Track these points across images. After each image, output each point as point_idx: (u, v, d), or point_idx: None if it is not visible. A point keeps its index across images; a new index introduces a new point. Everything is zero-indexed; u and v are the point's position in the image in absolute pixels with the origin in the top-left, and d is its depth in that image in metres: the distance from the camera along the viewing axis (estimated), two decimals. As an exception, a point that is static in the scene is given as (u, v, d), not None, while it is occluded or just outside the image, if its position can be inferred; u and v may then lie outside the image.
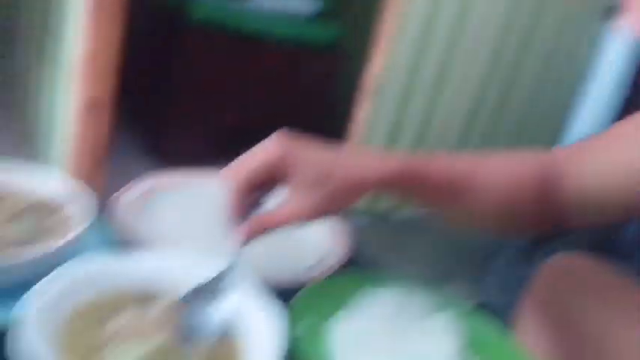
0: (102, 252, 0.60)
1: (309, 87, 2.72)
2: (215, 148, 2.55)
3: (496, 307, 1.17)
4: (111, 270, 0.54)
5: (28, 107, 2.34)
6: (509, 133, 2.79)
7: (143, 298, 0.52)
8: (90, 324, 0.49)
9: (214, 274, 0.55)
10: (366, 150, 0.98)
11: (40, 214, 0.58)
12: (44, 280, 0.48)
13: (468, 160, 0.74)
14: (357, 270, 0.74)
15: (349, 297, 0.65)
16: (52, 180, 0.64)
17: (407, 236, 2.57)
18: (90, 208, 0.60)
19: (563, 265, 0.83)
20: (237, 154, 0.60)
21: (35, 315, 0.45)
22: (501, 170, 0.73)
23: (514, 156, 0.78)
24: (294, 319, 0.57)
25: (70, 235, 0.55)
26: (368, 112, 2.36)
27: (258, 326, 0.52)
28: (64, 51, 1.95)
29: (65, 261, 0.51)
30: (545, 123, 2.89)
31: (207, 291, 0.54)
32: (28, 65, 2.31)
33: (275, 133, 0.60)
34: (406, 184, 0.63)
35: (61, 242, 0.54)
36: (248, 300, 0.55)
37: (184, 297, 0.53)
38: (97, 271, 0.53)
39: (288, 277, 0.69)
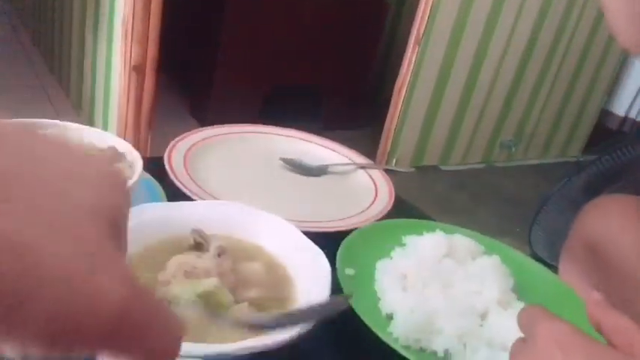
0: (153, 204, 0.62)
1: (355, 34, 2.66)
2: (258, 113, 2.56)
3: (545, 258, 1.16)
4: (164, 218, 0.56)
5: (72, 72, 2.40)
6: (561, 77, 2.72)
7: (195, 244, 0.54)
8: (145, 269, 0.51)
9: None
10: None
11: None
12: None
13: None
14: (403, 217, 0.74)
15: (397, 241, 0.66)
16: (101, 138, 0.67)
17: (454, 189, 2.55)
18: (139, 164, 0.62)
19: (607, 205, 0.82)
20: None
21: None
22: None
23: None
24: (344, 260, 0.58)
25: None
26: (415, 60, 2.32)
27: (306, 268, 0.54)
28: (106, 15, 1.99)
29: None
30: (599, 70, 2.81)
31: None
32: (72, 30, 2.36)
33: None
34: None
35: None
36: (295, 243, 0.56)
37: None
38: (150, 219, 0.55)
39: (337, 222, 0.70)
